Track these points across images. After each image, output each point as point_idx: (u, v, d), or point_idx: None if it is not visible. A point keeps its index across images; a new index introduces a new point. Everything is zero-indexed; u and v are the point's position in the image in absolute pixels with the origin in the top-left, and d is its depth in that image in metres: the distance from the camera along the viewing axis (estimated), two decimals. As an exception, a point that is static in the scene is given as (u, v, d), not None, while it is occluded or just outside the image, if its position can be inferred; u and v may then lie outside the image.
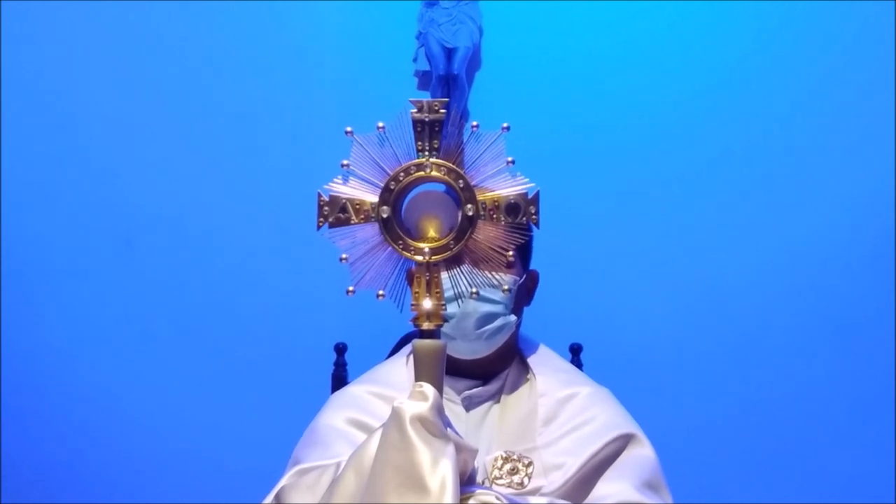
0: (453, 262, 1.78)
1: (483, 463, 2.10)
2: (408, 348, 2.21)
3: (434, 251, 1.77)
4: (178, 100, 4.03)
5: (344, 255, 1.78)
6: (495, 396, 2.30)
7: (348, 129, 1.78)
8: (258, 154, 4.03)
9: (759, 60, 3.98)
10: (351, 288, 1.78)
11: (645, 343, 3.92)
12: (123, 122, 4.02)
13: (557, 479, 2.08)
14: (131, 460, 3.96)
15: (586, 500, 2.07)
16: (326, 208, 1.79)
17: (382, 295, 1.77)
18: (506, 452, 2.12)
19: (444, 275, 1.78)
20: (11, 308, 3.99)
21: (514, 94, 3.97)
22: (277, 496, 2.04)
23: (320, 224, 1.79)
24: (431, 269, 1.77)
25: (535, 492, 2.05)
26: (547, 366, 2.34)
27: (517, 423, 2.24)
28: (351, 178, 1.78)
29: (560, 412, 2.23)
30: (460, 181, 1.77)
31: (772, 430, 3.91)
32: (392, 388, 2.17)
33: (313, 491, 1.90)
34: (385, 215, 1.77)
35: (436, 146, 1.78)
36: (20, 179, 4.01)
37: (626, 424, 2.24)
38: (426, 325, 1.77)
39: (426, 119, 1.78)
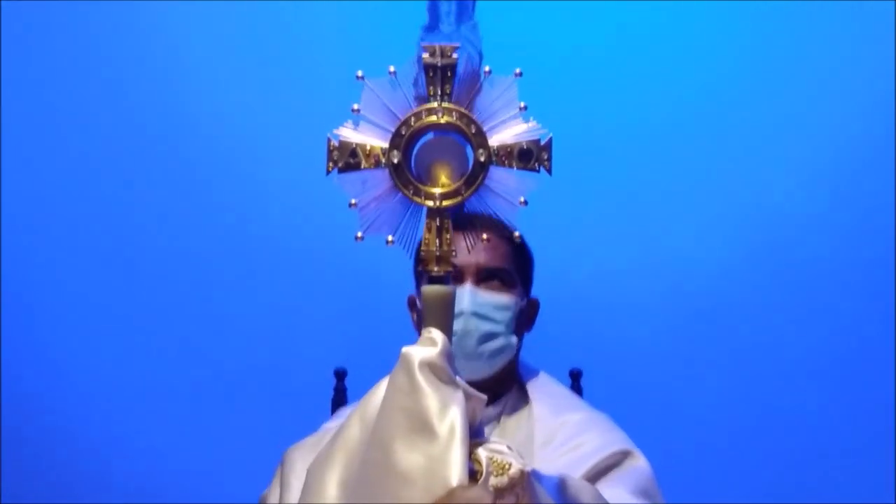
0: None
1: None
2: None
3: (445, 196, 1.75)
4: (176, 125, 4.03)
5: (353, 201, 1.76)
6: (495, 420, 2.30)
7: (359, 73, 1.77)
8: (257, 174, 4.02)
9: (755, 62, 3.98)
10: (360, 234, 1.76)
11: (644, 368, 3.90)
12: (122, 139, 4.01)
13: None
14: (126, 488, 3.90)
15: None
16: (336, 153, 1.77)
17: (392, 241, 1.75)
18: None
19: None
20: (11, 317, 3.96)
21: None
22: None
23: (329, 169, 1.77)
24: (442, 214, 1.75)
25: None
26: (545, 391, 2.35)
27: (515, 445, 2.21)
28: (361, 123, 1.77)
29: (556, 435, 2.24)
30: (472, 126, 1.75)
31: (776, 445, 3.89)
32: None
33: (316, 448, 1.86)
34: (396, 160, 1.75)
35: (448, 91, 1.76)
36: (19, 198, 3.99)
37: (622, 442, 2.25)
38: (435, 270, 1.74)
39: (438, 64, 1.76)
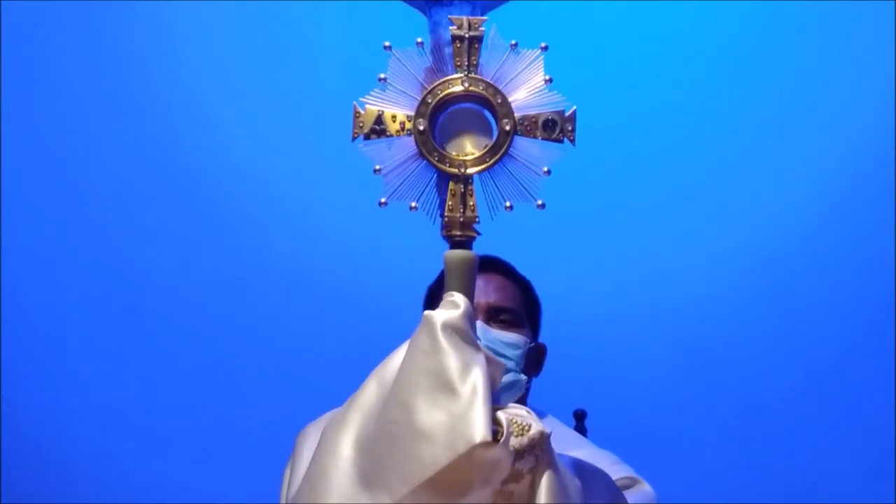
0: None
1: None
2: None
3: (471, 163, 1.77)
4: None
5: (377, 167, 1.77)
6: None
7: (386, 43, 1.79)
8: (258, 230, 4.02)
9: (752, 63, 4.01)
10: (383, 199, 1.77)
11: (650, 408, 3.89)
12: (121, 139, 4.02)
13: None
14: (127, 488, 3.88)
15: None
16: (361, 120, 1.78)
17: (415, 206, 1.77)
18: None
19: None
20: (11, 317, 3.93)
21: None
22: None
23: (355, 135, 1.79)
24: (466, 181, 1.77)
25: None
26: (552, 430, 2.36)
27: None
28: (388, 91, 1.79)
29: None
30: (498, 97, 1.78)
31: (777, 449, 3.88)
32: None
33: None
34: (421, 127, 1.77)
35: (474, 63, 1.79)
36: (20, 245, 3.98)
37: (629, 472, 2.30)
38: (458, 235, 1.75)
39: (465, 35, 1.79)
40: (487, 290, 2.27)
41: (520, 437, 1.68)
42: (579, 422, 2.78)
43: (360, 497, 1.66)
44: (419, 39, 1.79)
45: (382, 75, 1.79)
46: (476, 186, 1.78)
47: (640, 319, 3.95)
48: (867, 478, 3.82)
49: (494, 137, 1.78)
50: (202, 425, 3.92)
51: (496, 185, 1.78)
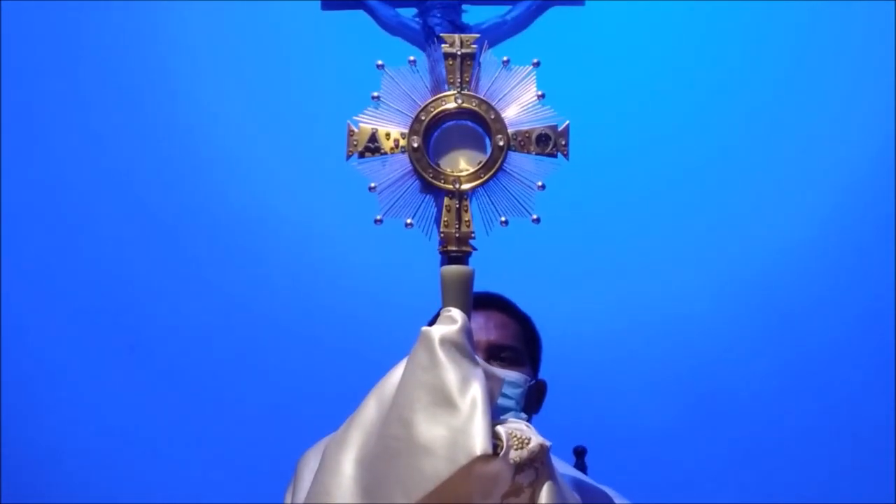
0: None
1: None
2: None
3: (465, 179, 1.78)
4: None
5: (373, 184, 1.78)
6: None
7: (379, 62, 1.80)
8: (258, 244, 4.02)
9: (748, 80, 4.01)
10: (379, 217, 1.78)
11: (648, 445, 3.87)
12: (122, 139, 4.00)
13: None
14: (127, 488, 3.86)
15: None
16: (355, 139, 1.80)
17: (411, 223, 1.78)
18: None
19: None
20: (11, 317, 3.92)
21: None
22: None
23: (349, 154, 1.80)
24: (461, 197, 1.78)
25: None
26: None
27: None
28: (381, 109, 1.80)
29: None
30: (491, 113, 1.79)
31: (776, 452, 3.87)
32: None
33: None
34: (415, 145, 1.78)
35: (467, 80, 1.80)
36: (19, 198, 3.98)
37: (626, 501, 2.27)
38: (454, 250, 1.76)
39: (458, 53, 1.81)
40: (488, 328, 2.22)
41: (520, 451, 1.68)
42: (579, 459, 2.78)
43: (364, 513, 1.66)
44: (412, 58, 1.80)
45: (376, 93, 1.80)
46: (471, 202, 1.78)
47: (641, 350, 3.92)
48: (867, 478, 3.81)
49: (488, 153, 1.79)
50: (202, 425, 3.89)
51: (491, 201, 1.79)
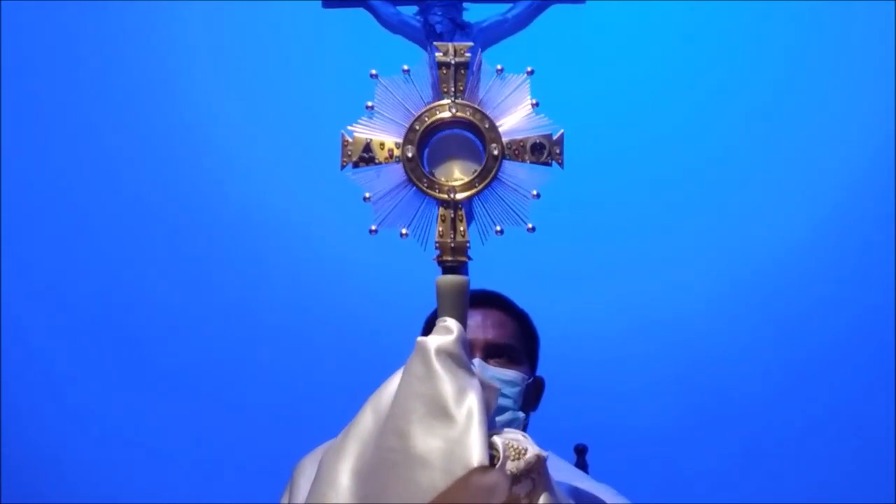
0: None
1: None
2: None
3: (459, 189, 1.77)
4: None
5: (367, 194, 1.78)
6: None
7: (373, 71, 1.80)
8: (257, 244, 4.02)
9: (746, 80, 4.00)
10: (374, 227, 1.78)
11: (649, 442, 3.87)
12: (121, 140, 4.00)
13: None
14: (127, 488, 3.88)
15: None
16: (350, 148, 1.79)
17: (406, 233, 1.77)
18: None
19: None
20: (11, 318, 3.92)
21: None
22: None
23: (344, 164, 1.79)
24: (456, 206, 1.77)
25: None
26: (551, 466, 2.35)
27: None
28: (375, 119, 1.80)
29: None
30: (485, 122, 1.79)
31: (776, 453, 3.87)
32: None
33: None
34: (410, 154, 1.78)
35: (461, 89, 1.80)
36: (19, 199, 3.98)
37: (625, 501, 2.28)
38: (449, 260, 1.76)
39: (451, 62, 1.80)
40: (485, 326, 2.23)
41: (516, 461, 1.68)
42: (580, 457, 2.77)
43: (360, 525, 1.66)
44: (405, 66, 1.80)
45: (370, 103, 1.80)
46: (466, 212, 1.78)
47: (641, 348, 3.92)
48: (867, 478, 3.81)
49: (483, 162, 1.78)
50: (202, 425, 3.90)
51: (486, 210, 1.79)
